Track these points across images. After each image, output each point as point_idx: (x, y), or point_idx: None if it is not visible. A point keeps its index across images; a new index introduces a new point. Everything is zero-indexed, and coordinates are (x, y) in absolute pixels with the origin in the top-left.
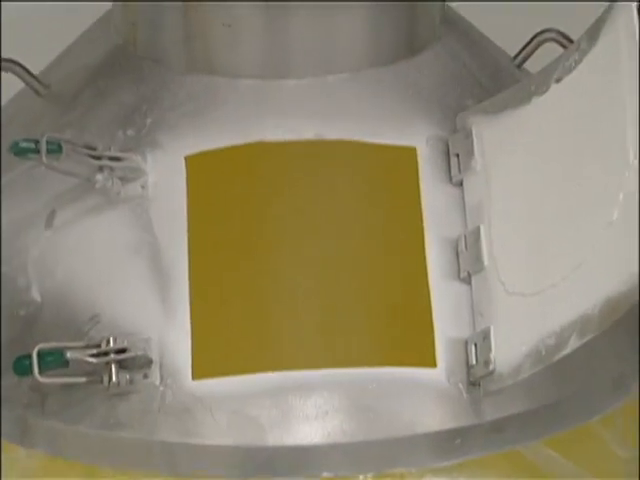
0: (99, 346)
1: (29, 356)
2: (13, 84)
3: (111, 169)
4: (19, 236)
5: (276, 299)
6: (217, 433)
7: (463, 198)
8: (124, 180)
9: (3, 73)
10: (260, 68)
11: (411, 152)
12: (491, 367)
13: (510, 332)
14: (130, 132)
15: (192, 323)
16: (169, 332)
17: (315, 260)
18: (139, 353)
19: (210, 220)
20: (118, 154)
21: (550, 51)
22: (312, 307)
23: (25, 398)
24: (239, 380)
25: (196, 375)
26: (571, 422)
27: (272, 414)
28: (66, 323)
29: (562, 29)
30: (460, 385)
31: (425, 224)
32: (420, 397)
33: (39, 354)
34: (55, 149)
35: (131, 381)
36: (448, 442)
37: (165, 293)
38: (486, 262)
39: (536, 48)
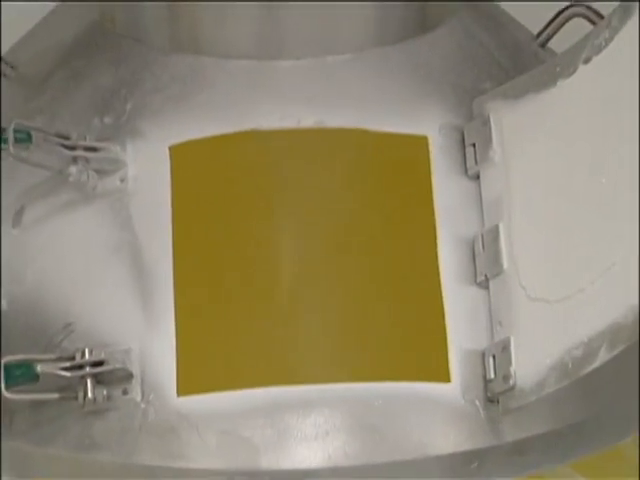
0: (73, 358)
1: None
2: None
3: (86, 160)
4: None
5: (271, 306)
6: (205, 455)
7: (480, 193)
8: (101, 173)
9: None
10: (252, 47)
11: (422, 141)
12: (511, 382)
13: (532, 343)
14: (108, 119)
15: (177, 332)
16: (151, 342)
17: (315, 263)
18: (118, 366)
19: (197, 217)
20: (94, 144)
21: (578, 28)
22: (311, 315)
23: None
24: (230, 396)
25: (182, 391)
26: (600, 443)
27: (266, 434)
28: (36, 333)
29: (591, 4)
30: (477, 402)
31: (437, 222)
32: (432, 415)
33: (6, 367)
34: (24, 138)
35: (109, 397)
36: (463, 466)
37: (147, 298)
38: (505, 264)
39: (562, 25)
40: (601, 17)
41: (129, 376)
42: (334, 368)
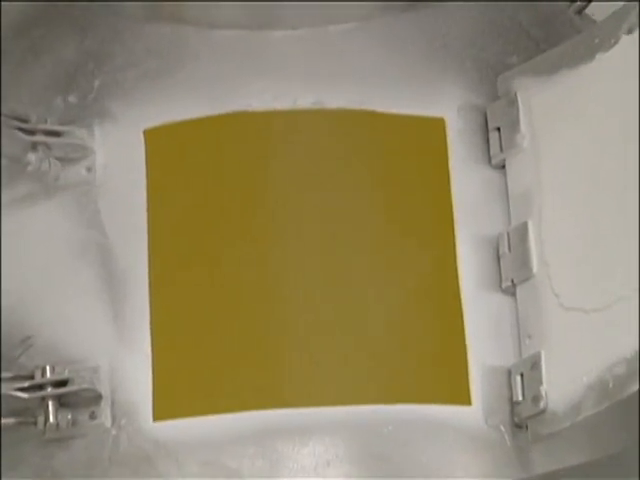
0: (32, 377)
1: None
2: None
3: (47, 147)
4: None
5: (263, 316)
6: None
7: (505, 184)
8: (64, 161)
9: None
10: (242, 16)
11: (438, 125)
12: (542, 404)
13: (567, 359)
14: (72, 98)
15: (153, 347)
16: (123, 358)
17: (313, 267)
18: (84, 386)
19: (177, 213)
20: (56, 127)
21: None
22: (309, 327)
23: None
24: (214, 421)
25: (158, 415)
26: None
27: (256, 465)
28: None
29: None
30: (502, 428)
31: (456, 218)
32: (450, 443)
33: None
34: None
35: (74, 422)
36: None
37: (118, 308)
38: (535, 268)
39: None
40: None
41: (97, 398)
42: (335, 388)
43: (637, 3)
